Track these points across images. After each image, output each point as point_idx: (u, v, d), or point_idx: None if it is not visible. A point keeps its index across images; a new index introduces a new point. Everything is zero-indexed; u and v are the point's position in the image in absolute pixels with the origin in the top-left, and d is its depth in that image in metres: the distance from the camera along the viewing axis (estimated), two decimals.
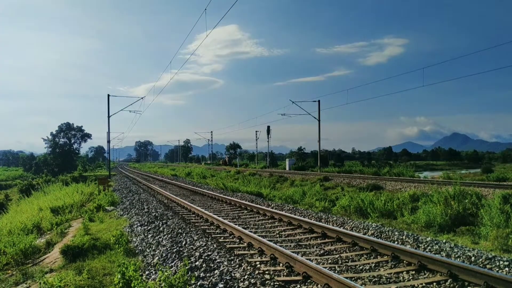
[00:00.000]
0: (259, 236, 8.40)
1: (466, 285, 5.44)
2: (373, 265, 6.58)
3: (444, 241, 7.97)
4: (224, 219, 11.01)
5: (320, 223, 9.48)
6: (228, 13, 13.36)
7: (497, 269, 6.07)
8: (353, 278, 5.83)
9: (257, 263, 6.66)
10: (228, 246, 7.85)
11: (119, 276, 5.37)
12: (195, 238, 8.50)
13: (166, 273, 5.30)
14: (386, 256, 6.92)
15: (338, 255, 7.21)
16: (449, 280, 5.59)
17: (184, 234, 9.00)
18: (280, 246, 7.63)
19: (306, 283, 5.61)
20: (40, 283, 5.77)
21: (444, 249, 7.20)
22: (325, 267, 6.10)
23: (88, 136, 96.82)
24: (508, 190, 13.84)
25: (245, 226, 10.30)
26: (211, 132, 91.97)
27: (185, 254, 7.20)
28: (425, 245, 7.58)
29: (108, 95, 42.50)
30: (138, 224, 11.23)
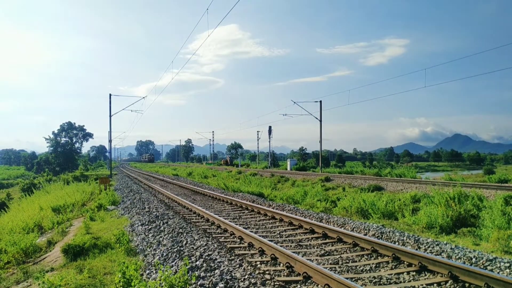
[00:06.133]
0: (259, 236, 8.40)
1: (466, 286, 5.43)
2: (373, 265, 6.57)
3: (445, 242, 7.95)
4: (225, 219, 11.02)
5: (321, 224, 9.47)
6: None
7: (498, 271, 6.05)
8: (354, 279, 5.83)
9: (258, 263, 6.66)
10: (228, 246, 7.85)
11: (119, 275, 5.38)
12: (196, 237, 8.51)
13: (166, 273, 5.30)
14: (386, 257, 6.91)
15: (338, 256, 7.21)
16: (449, 281, 5.59)
17: (185, 234, 9.01)
18: (281, 246, 7.63)
19: (307, 283, 5.60)
20: (40, 282, 5.78)
21: (445, 250, 7.19)
22: (326, 268, 6.10)
23: (90, 135, 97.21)
24: (510, 191, 13.81)
25: (246, 226, 10.30)
26: (213, 132, 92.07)
27: (185, 253, 7.21)
28: (426, 246, 7.57)
29: (110, 95, 42.56)
30: (139, 224, 11.24)
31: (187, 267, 5.88)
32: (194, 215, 12.42)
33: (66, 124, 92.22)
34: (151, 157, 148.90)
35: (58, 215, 17.31)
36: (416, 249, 7.41)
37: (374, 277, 5.90)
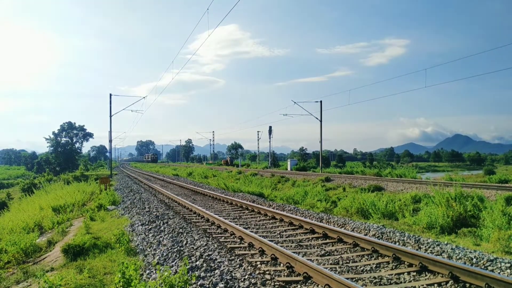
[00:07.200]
0: (260, 236, 8.39)
1: (467, 286, 5.42)
2: (374, 266, 6.56)
3: (445, 242, 7.94)
4: (225, 219, 11.01)
5: (321, 224, 9.46)
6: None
7: (499, 271, 6.04)
8: (354, 279, 5.82)
9: (258, 263, 6.65)
10: (229, 246, 7.84)
11: (119, 276, 5.36)
12: (196, 237, 8.51)
13: (166, 273, 5.29)
14: (387, 257, 6.90)
15: (339, 256, 7.20)
16: (450, 282, 5.58)
17: (185, 234, 9.00)
18: (281, 246, 7.62)
19: (307, 284, 5.60)
20: (40, 281, 5.77)
21: (446, 251, 7.18)
22: (326, 268, 6.09)
23: (90, 135, 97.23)
24: (511, 192, 13.80)
25: (246, 226, 10.29)
26: (213, 132, 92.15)
27: (185, 253, 7.20)
28: (427, 247, 7.56)
29: (110, 95, 42.53)
30: (139, 224, 11.24)
31: (187, 267, 5.87)
32: (194, 215, 12.42)
33: (66, 124, 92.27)
34: (154, 157, 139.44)
35: (58, 215, 17.30)
36: (417, 250, 7.40)
37: (375, 277, 5.89)
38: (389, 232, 8.94)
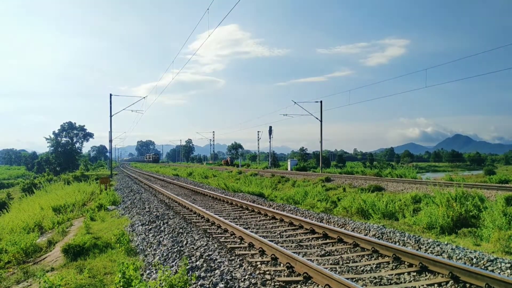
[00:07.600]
0: (260, 236, 8.40)
1: (467, 287, 5.42)
2: (374, 266, 6.56)
3: (445, 242, 7.94)
4: (225, 219, 11.02)
5: (321, 224, 9.46)
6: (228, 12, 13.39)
7: (499, 271, 6.04)
8: (354, 279, 5.82)
9: (258, 263, 6.66)
10: (229, 246, 7.84)
11: (119, 276, 5.37)
12: (196, 238, 8.51)
13: (166, 273, 5.30)
14: (387, 257, 6.90)
15: (339, 256, 7.20)
16: (450, 282, 5.58)
17: (185, 234, 9.01)
18: (281, 246, 7.63)
19: (307, 284, 5.60)
20: (41, 281, 5.77)
21: (446, 251, 7.18)
22: (326, 268, 6.09)
23: (90, 135, 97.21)
24: (511, 192, 13.80)
25: (246, 226, 10.29)
26: (213, 132, 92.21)
27: (186, 253, 7.21)
28: (427, 247, 7.56)
29: (111, 95, 42.54)
30: (139, 224, 11.24)
31: (187, 267, 5.87)
32: (195, 215, 12.42)
33: (66, 124, 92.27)
34: (156, 157, 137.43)
35: (58, 215, 17.31)
36: (417, 250, 7.40)
37: (375, 278, 5.89)
38: (389, 232, 8.94)
